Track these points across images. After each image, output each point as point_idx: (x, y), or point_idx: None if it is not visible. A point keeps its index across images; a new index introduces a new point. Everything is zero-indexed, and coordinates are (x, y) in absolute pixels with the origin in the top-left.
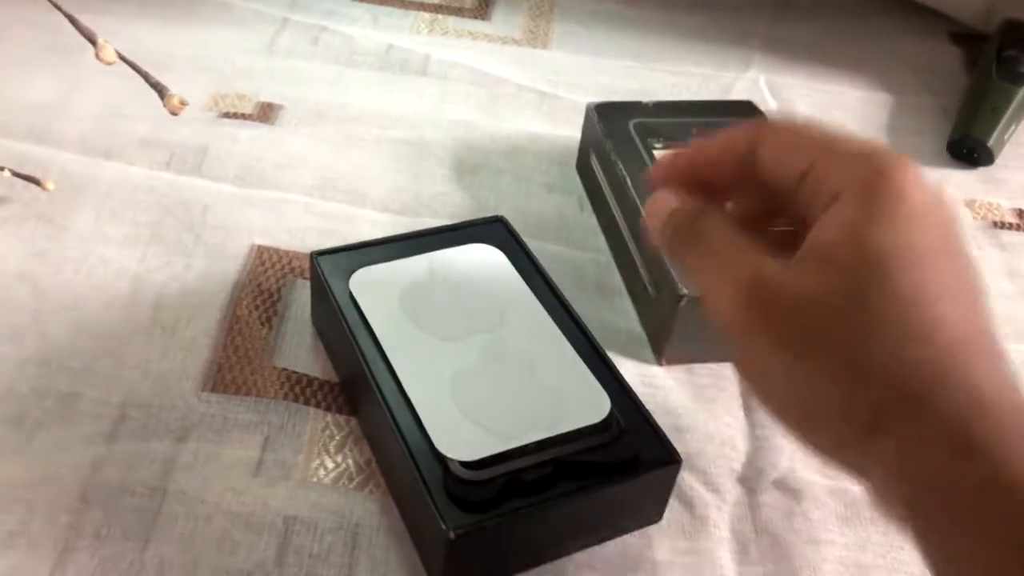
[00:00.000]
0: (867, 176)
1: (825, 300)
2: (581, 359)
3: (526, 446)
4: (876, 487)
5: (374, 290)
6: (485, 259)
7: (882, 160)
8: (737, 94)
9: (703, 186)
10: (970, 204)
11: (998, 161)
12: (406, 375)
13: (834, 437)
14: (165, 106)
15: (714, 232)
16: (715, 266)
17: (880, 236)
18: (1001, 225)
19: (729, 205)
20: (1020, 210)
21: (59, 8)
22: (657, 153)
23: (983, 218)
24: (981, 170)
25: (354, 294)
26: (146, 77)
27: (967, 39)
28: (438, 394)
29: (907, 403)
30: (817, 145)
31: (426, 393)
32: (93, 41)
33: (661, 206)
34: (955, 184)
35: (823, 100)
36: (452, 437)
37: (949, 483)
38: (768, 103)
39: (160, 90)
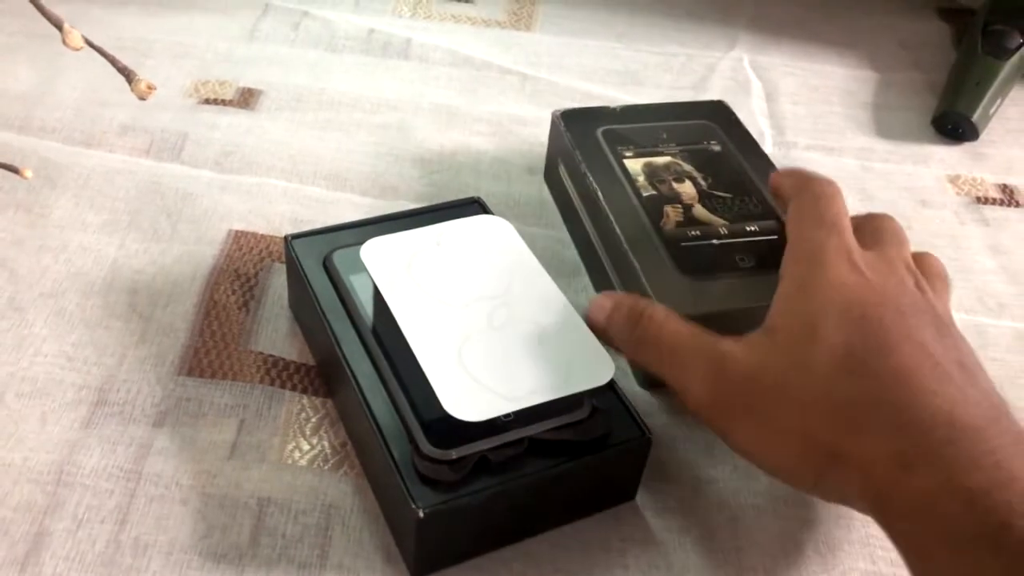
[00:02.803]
0: (800, 257)
1: (766, 369)
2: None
3: (499, 424)
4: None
5: (385, 259)
6: (493, 230)
7: (815, 244)
8: (721, 74)
9: None
10: (954, 180)
11: (983, 136)
12: (416, 339)
13: (807, 482)
14: (133, 91)
15: (667, 328)
16: (679, 362)
17: (806, 305)
18: (984, 200)
19: None
20: (1004, 185)
21: None
22: (627, 163)
23: (967, 194)
24: (966, 145)
25: (365, 262)
26: (113, 62)
27: (955, 14)
28: (446, 356)
29: (849, 447)
30: (802, 221)
31: (435, 355)
32: (59, 26)
33: (604, 303)
34: (939, 160)
35: (808, 78)
36: (461, 398)
37: (897, 494)
38: (752, 82)
39: (127, 75)
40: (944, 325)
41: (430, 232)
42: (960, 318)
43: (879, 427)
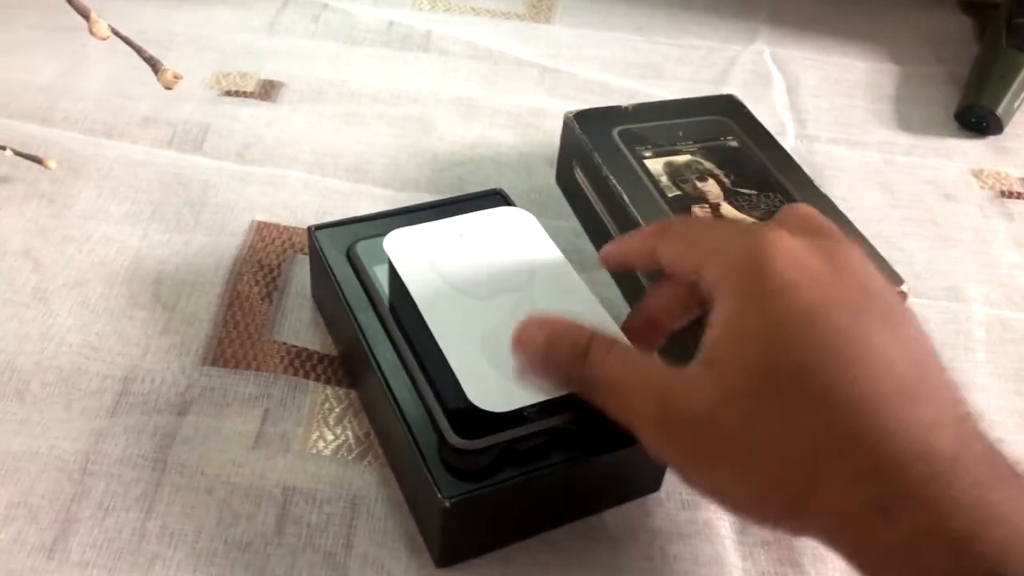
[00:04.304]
0: (734, 268)
1: (712, 413)
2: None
3: (524, 414)
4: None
5: (408, 250)
6: (515, 221)
7: (748, 248)
8: (742, 67)
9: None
10: (977, 174)
11: (1007, 130)
12: (440, 330)
13: (769, 525)
14: (159, 80)
15: (607, 365)
16: (625, 403)
17: (747, 323)
18: (1009, 194)
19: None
20: None
21: None
22: (648, 163)
23: (991, 188)
24: (990, 139)
25: (388, 253)
26: (139, 52)
27: (978, 7)
28: (470, 348)
29: (817, 496)
30: (701, 246)
31: (458, 347)
32: (86, 16)
33: (535, 333)
34: (962, 153)
35: (830, 72)
36: (486, 390)
37: (875, 543)
38: (773, 75)
39: (154, 65)
40: (889, 305)
41: (453, 223)
42: (985, 312)
43: (850, 473)
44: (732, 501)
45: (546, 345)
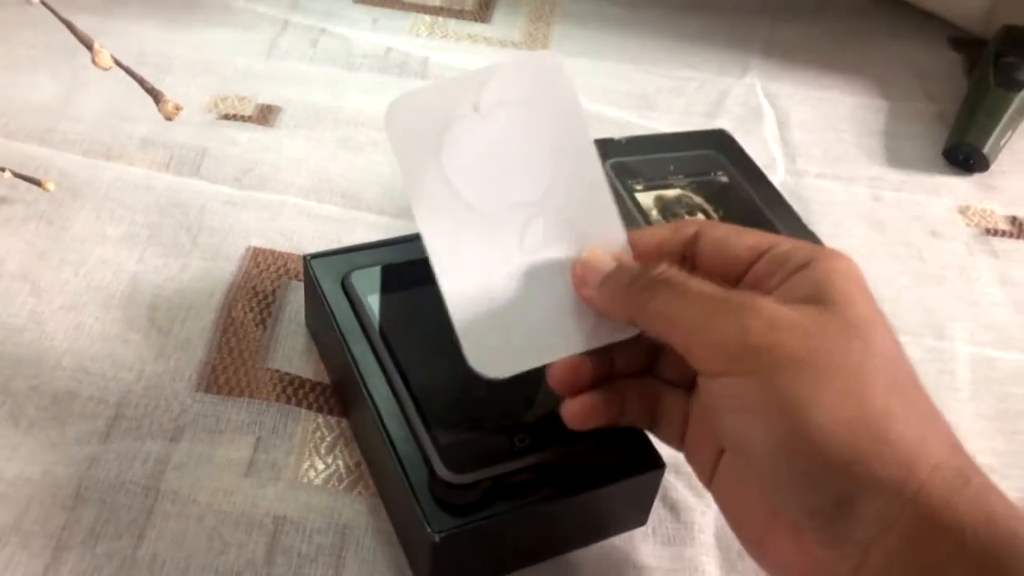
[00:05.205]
0: (827, 254)
1: (834, 332)
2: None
3: (516, 448)
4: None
5: (413, 132)
6: (542, 83)
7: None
8: (734, 99)
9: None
10: (964, 211)
11: (993, 167)
12: (443, 270)
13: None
14: (160, 111)
15: (685, 277)
16: (703, 300)
17: (859, 297)
18: (994, 232)
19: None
20: (1014, 217)
21: (56, 15)
22: (639, 196)
23: (976, 225)
24: (976, 176)
25: (390, 135)
26: (141, 83)
27: (967, 44)
28: (473, 297)
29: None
30: (768, 234)
31: (462, 296)
32: (89, 46)
33: (598, 265)
34: (950, 190)
35: (820, 106)
36: (485, 354)
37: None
38: (764, 109)
39: (155, 96)
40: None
41: (467, 89)
42: (969, 350)
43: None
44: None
45: (609, 275)
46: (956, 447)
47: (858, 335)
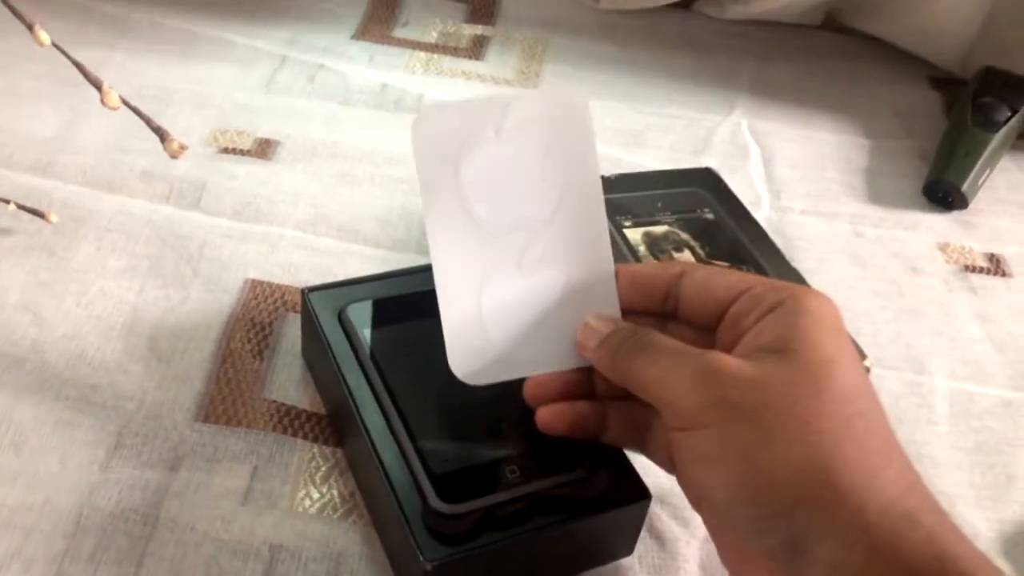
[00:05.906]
0: (800, 294)
1: (784, 381)
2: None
3: (508, 479)
4: None
5: (435, 144)
6: (563, 120)
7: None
8: (721, 137)
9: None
10: (943, 247)
11: (972, 205)
12: (441, 268)
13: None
14: (165, 150)
15: (660, 340)
16: (669, 361)
17: (822, 338)
18: (972, 269)
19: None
20: (991, 255)
21: (67, 55)
22: (627, 232)
23: (955, 262)
24: (955, 214)
25: (414, 145)
26: (148, 122)
27: (947, 84)
28: (465, 300)
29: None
30: (748, 275)
31: (455, 297)
32: (99, 87)
33: (598, 327)
34: (929, 227)
35: (804, 144)
36: (467, 359)
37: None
38: (750, 147)
39: (161, 134)
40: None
41: (491, 112)
42: (948, 385)
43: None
44: (763, 484)
45: (606, 336)
46: (912, 486)
47: (811, 380)
